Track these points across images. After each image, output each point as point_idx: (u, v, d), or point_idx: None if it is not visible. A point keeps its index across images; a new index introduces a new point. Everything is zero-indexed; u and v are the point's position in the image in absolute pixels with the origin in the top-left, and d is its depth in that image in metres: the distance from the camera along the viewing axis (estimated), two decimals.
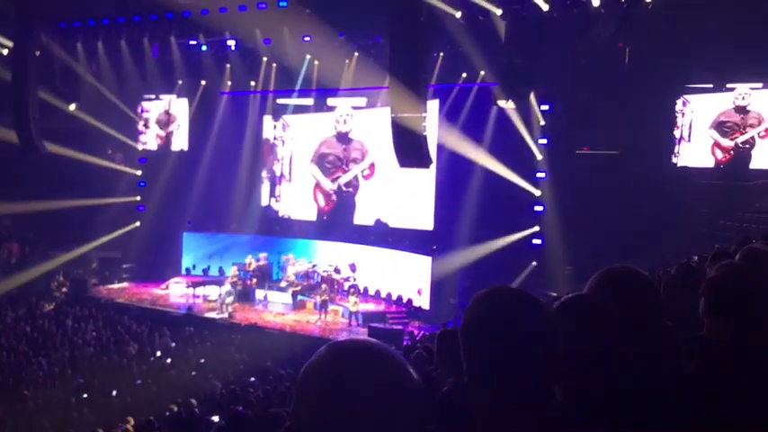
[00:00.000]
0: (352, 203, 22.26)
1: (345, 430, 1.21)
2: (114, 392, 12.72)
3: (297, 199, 23.48)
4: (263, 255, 21.92)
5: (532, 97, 17.29)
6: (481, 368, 1.61)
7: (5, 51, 21.28)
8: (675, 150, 16.76)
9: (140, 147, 24.85)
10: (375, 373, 1.26)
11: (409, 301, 19.39)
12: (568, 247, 16.42)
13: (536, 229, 18.03)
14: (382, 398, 1.23)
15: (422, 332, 16.38)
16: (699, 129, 16.54)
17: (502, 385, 1.58)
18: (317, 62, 21.68)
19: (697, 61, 15.44)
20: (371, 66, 19.72)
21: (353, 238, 21.47)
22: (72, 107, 22.37)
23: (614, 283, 2.15)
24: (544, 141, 17.91)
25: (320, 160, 22.90)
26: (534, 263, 17.73)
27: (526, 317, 1.62)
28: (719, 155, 16.34)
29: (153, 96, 24.51)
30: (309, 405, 1.25)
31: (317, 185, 22.96)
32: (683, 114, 16.70)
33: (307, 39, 20.87)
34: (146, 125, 24.79)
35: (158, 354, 15.02)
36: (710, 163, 16.38)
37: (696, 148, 16.58)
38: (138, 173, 24.90)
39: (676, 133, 16.72)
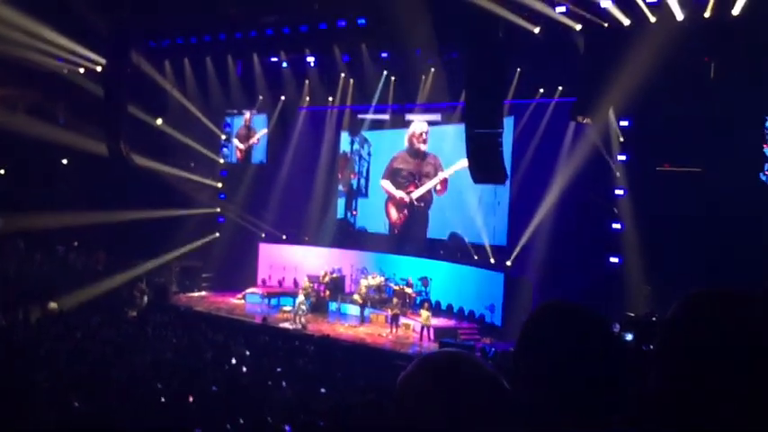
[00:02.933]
0: (425, 217, 22.21)
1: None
2: (191, 398, 12.98)
3: (372, 212, 23.61)
4: (336, 267, 22.13)
5: (611, 112, 16.84)
6: (539, 384, 1.57)
7: (99, 68, 22.30)
8: (765, 168, 15.96)
9: (221, 160, 25.56)
10: (478, 377, 1.33)
11: (481, 316, 19.13)
12: (648, 267, 15.84)
13: (613, 247, 17.47)
14: (484, 400, 1.30)
15: (493, 349, 16.11)
16: None
17: (560, 400, 1.55)
18: (393, 78, 21.81)
19: None
20: (448, 81, 19.70)
21: (426, 253, 21.40)
22: (158, 122, 23.22)
23: (710, 307, 1.99)
24: (623, 158, 17.38)
25: (393, 175, 22.95)
26: (611, 282, 17.18)
27: (582, 334, 1.61)
28: None
29: (235, 111, 25.21)
30: (414, 406, 1.29)
31: (390, 199, 23.01)
32: None
33: (384, 55, 21.05)
34: (228, 139, 25.50)
35: (233, 361, 15.25)
36: None
37: None
38: (219, 185, 25.58)
39: (766, 151, 15.93)
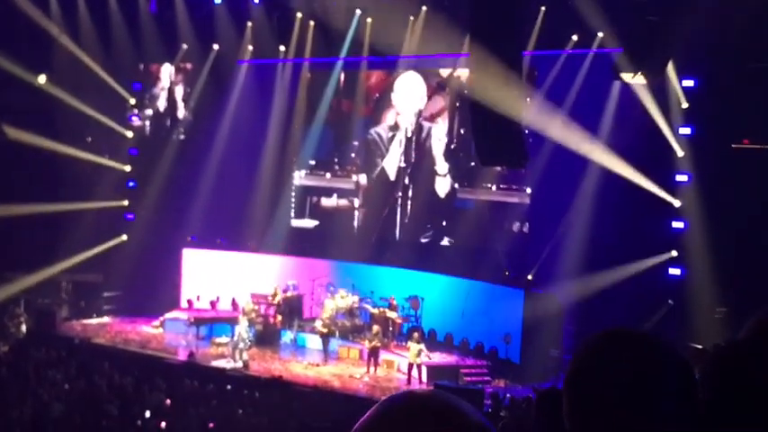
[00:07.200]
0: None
1: None
2: None
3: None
4: (291, 282, 22.10)
5: (671, 69, 16.98)
6: None
7: None
8: None
9: (130, 134, 25.39)
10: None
11: (493, 350, 19.23)
12: (720, 281, 16.01)
13: (673, 254, 17.66)
14: None
15: (509, 394, 16.23)
16: None
17: None
18: (369, 20, 21.81)
19: None
20: (445, 25, 19.73)
21: (416, 262, 21.44)
22: (41, 80, 22.98)
23: None
24: (687, 131, 17.54)
25: None
26: (671, 302, 17.35)
27: (656, 369, 1.64)
28: None
29: (149, 66, 25.05)
30: None
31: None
32: None
33: None
34: (138, 105, 25.33)
35: (147, 414, 15.23)
36: None
37: None
38: (127, 168, 25.42)
39: None
